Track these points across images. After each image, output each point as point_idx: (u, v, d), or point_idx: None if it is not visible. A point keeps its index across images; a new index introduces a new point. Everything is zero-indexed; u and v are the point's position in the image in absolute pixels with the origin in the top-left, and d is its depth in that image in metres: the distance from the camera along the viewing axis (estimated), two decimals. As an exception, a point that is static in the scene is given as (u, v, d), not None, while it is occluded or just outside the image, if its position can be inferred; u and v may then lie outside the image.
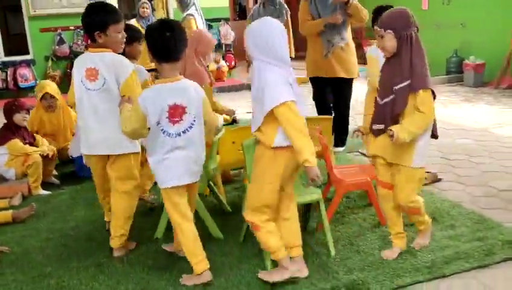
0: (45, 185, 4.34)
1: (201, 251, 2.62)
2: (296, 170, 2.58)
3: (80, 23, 2.96)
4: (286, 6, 5.77)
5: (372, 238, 3.03)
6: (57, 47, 9.54)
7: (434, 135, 2.68)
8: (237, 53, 11.26)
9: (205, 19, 6.66)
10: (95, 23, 2.81)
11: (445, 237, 2.96)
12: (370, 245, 2.94)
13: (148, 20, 7.13)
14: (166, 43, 2.49)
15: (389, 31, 2.53)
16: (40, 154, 4.22)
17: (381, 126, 2.63)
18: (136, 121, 2.53)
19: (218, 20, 10.68)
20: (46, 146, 4.41)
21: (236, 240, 3.07)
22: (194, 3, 6.52)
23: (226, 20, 11.15)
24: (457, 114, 6.53)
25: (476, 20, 8.85)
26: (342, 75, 4.75)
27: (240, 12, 16.32)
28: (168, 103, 2.48)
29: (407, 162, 2.61)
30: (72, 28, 9.58)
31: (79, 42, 9.51)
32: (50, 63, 9.61)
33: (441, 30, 9.65)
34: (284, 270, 2.53)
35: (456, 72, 8.99)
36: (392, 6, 2.85)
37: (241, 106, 7.16)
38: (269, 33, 2.40)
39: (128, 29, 3.31)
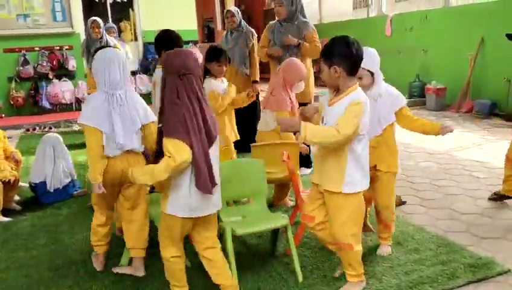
0: (5, 211, 4.20)
1: None
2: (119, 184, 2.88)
3: (45, 44, 3.11)
4: (253, 30, 5.78)
5: (338, 262, 3.04)
6: (21, 68, 9.30)
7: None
8: (206, 75, 11.29)
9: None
10: None
11: (410, 261, 3.01)
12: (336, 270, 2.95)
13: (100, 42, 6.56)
14: None
15: None
16: (0, 180, 4.10)
17: None
18: None
19: (186, 42, 10.71)
20: (7, 171, 4.28)
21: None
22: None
23: (195, 42, 11.21)
24: (420, 137, 6.65)
25: (437, 47, 9.20)
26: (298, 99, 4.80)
27: (209, 35, 16.43)
28: None
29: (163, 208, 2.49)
30: (37, 48, 9.32)
31: (44, 63, 9.29)
32: (13, 84, 9.40)
33: (403, 56, 9.98)
34: None
35: (418, 96, 9.27)
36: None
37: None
38: (101, 61, 2.79)
39: (209, 49, 3.77)
